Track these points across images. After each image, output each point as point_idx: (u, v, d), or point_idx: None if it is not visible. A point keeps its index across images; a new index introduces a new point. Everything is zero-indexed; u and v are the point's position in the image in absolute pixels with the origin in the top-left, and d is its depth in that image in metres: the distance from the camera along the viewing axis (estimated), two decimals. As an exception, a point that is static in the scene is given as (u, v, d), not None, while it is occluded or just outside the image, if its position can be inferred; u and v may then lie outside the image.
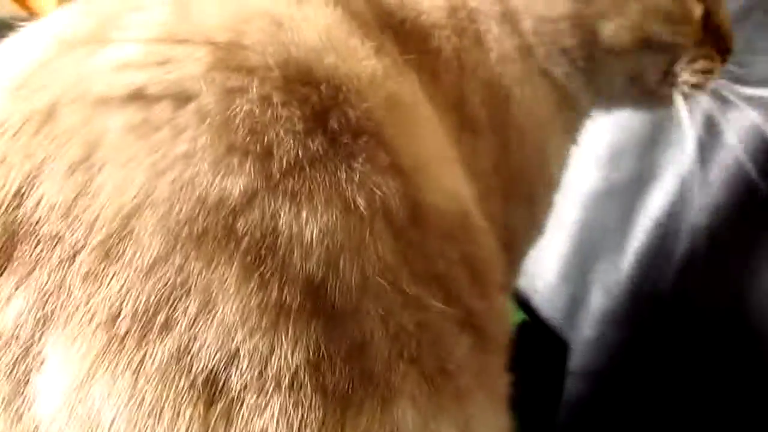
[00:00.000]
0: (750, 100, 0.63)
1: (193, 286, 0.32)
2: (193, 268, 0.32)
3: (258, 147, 0.35)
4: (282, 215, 0.34)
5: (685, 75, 0.56)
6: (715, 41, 0.57)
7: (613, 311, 0.74)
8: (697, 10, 0.55)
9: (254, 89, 0.36)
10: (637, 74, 0.55)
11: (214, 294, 0.32)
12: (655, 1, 0.52)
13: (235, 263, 0.33)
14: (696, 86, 0.56)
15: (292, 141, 0.35)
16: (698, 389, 0.61)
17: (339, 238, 0.34)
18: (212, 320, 0.32)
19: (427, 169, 0.41)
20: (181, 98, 0.35)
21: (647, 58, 0.54)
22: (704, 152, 0.66)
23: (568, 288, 0.81)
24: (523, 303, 0.85)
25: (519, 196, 0.53)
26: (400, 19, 0.50)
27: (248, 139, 0.35)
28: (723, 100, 0.67)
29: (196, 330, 0.32)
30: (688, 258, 0.65)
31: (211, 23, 0.39)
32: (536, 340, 0.81)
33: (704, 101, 0.69)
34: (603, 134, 0.81)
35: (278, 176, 0.34)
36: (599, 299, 0.76)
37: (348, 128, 0.38)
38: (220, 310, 0.32)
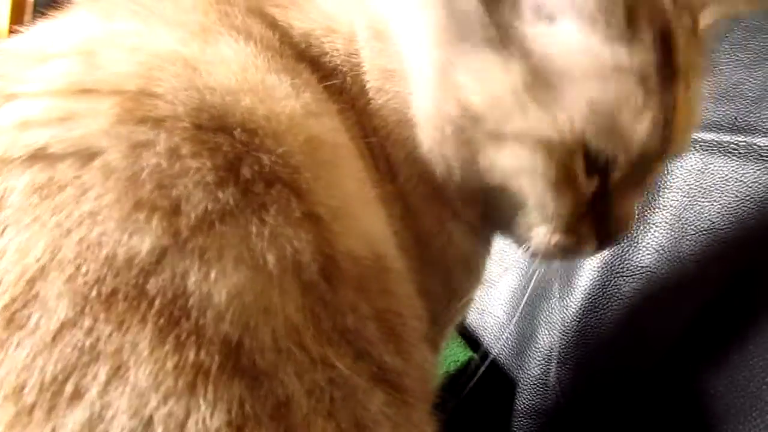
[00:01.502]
0: (692, 143, 0.66)
1: (103, 351, 0.31)
2: (103, 332, 0.31)
3: (166, 202, 0.33)
4: (191, 275, 0.33)
5: (540, 237, 0.49)
6: (597, 224, 0.49)
7: (560, 350, 0.75)
8: (587, 186, 0.47)
9: (162, 142, 0.35)
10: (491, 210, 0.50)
11: (125, 358, 0.31)
12: (531, 159, 0.45)
13: (149, 325, 0.31)
14: (538, 254, 0.50)
15: (201, 194, 0.34)
16: (646, 430, 0.61)
17: (248, 299, 0.33)
18: (124, 386, 0.30)
19: (346, 213, 0.40)
20: (86, 156, 0.34)
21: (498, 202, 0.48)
22: (649, 193, 0.68)
23: (516, 326, 0.81)
24: (472, 340, 0.84)
25: (432, 265, 0.51)
26: (317, 53, 0.49)
27: (155, 194, 0.33)
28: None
29: (108, 398, 0.30)
30: (633, 297, 0.66)
31: (121, 70, 0.38)
32: (484, 379, 0.80)
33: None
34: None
35: (186, 233, 0.33)
36: (546, 337, 0.77)
37: (261, 177, 0.36)
38: (132, 375, 0.31)
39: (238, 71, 0.41)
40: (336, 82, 0.48)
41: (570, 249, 0.50)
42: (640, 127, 0.44)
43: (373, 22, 0.50)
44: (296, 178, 0.38)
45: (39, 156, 0.34)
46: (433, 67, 0.47)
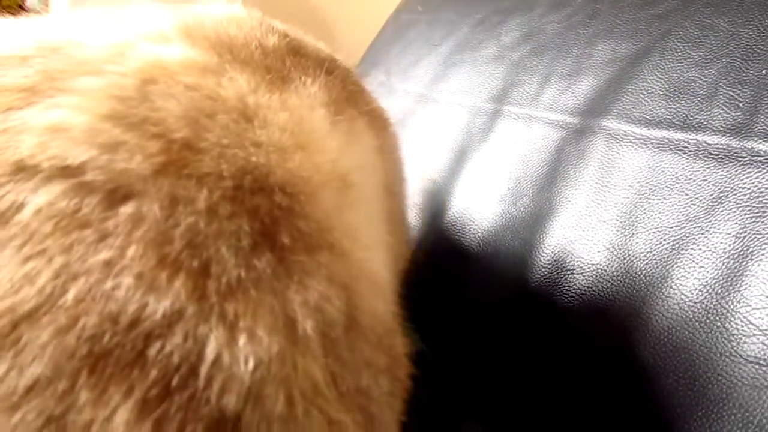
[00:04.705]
0: (643, 141, 0.66)
1: (70, 424, 0.26)
2: (77, 400, 0.26)
3: (195, 263, 0.30)
4: (211, 341, 0.29)
5: None
6: None
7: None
8: None
9: (202, 199, 0.32)
10: None
11: None
12: None
13: (133, 399, 0.27)
14: None
15: (234, 260, 0.32)
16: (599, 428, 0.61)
17: (274, 368, 0.30)
18: None
19: (369, 269, 0.39)
20: (119, 197, 0.30)
21: None
22: (600, 191, 0.68)
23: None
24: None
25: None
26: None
27: (184, 253, 0.30)
28: (617, 140, 0.69)
29: None
30: (583, 294, 0.66)
31: (172, 110, 0.34)
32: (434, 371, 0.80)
33: (599, 141, 0.71)
34: (504, 169, 0.83)
35: (215, 298, 0.30)
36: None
37: (302, 243, 0.34)
38: None
39: (297, 120, 0.39)
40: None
41: None
42: None
43: None
44: (333, 236, 0.37)
45: (68, 175, 0.29)
46: None
